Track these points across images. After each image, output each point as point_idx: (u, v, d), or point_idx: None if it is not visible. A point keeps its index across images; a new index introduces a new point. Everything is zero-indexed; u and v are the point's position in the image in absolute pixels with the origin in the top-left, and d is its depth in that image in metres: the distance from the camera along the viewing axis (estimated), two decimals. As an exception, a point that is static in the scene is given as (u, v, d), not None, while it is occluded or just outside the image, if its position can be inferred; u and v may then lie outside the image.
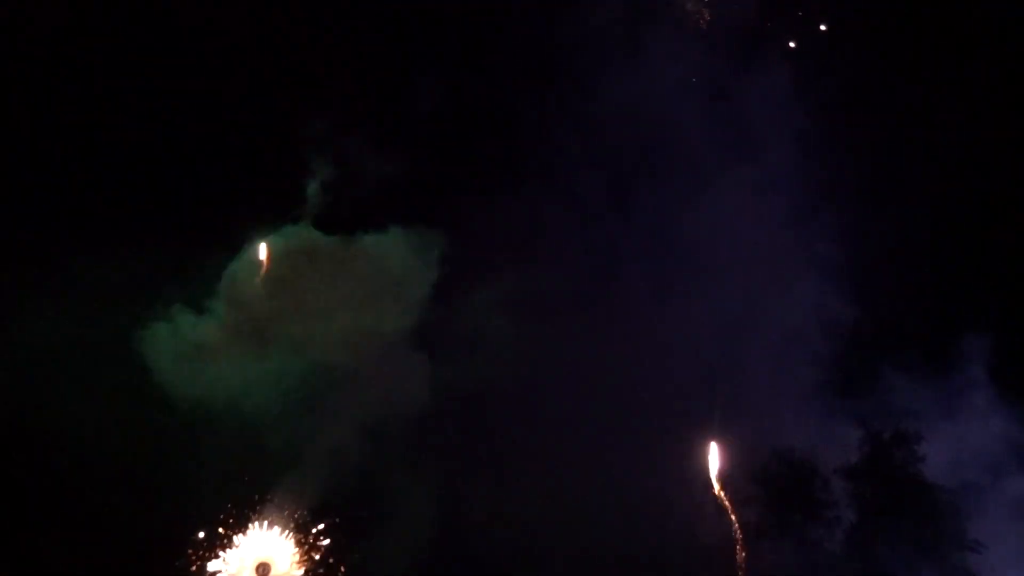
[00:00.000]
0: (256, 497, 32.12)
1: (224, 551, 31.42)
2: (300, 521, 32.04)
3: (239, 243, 37.56)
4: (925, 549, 33.66)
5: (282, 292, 35.57)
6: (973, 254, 36.67)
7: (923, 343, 35.64)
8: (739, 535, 34.52)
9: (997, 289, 36.10)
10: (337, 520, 32.27)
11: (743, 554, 34.39)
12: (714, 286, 35.98)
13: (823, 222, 36.15)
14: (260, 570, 31.55)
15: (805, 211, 36.40)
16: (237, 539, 31.64)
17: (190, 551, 31.26)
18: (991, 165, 37.22)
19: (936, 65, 38.73)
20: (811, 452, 36.92)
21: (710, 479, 35.29)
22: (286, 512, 32.01)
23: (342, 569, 31.72)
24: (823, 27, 40.75)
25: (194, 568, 31.09)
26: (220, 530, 31.52)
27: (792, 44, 39.84)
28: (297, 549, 31.83)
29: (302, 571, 31.65)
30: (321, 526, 32.01)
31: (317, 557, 31.74)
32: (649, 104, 37.26)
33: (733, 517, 34.79)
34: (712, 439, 35.36)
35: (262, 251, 37.20)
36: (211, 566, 31.08)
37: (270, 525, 31.86)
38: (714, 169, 37.24)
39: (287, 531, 31.91)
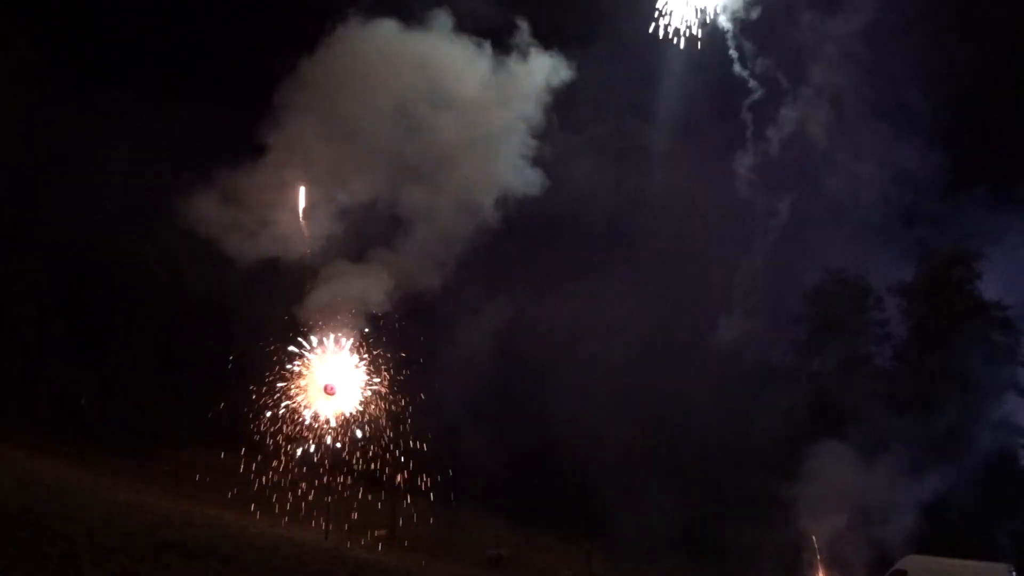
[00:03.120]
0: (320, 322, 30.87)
1: (293, 375, 30.58)
2: (367, 339, 31.00)
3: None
4: (976, 362, 34.68)
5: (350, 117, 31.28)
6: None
7: (990, 173, 35.43)
8: None
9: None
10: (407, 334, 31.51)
11: None
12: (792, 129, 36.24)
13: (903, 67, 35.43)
14: (328, 390, 30.94)
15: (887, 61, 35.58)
16: (305, 361, 30.69)
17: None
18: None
19: None
20: (866, 272, 37.41)
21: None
22: (355, 332, 30.93)
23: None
24: None
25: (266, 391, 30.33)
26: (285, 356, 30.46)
27: None
28: (362, 368, 31.03)
29: (374, 386, 31.05)
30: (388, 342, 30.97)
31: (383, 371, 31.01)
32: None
33: None
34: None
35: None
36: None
37: (336, 346, 30.86)
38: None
39: (355, 353, 30.97)
